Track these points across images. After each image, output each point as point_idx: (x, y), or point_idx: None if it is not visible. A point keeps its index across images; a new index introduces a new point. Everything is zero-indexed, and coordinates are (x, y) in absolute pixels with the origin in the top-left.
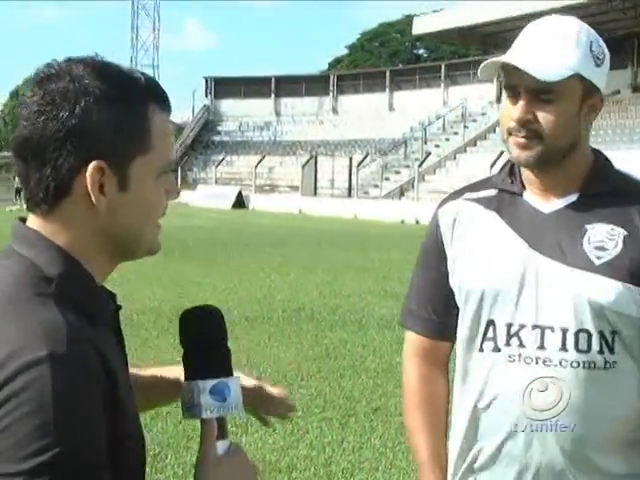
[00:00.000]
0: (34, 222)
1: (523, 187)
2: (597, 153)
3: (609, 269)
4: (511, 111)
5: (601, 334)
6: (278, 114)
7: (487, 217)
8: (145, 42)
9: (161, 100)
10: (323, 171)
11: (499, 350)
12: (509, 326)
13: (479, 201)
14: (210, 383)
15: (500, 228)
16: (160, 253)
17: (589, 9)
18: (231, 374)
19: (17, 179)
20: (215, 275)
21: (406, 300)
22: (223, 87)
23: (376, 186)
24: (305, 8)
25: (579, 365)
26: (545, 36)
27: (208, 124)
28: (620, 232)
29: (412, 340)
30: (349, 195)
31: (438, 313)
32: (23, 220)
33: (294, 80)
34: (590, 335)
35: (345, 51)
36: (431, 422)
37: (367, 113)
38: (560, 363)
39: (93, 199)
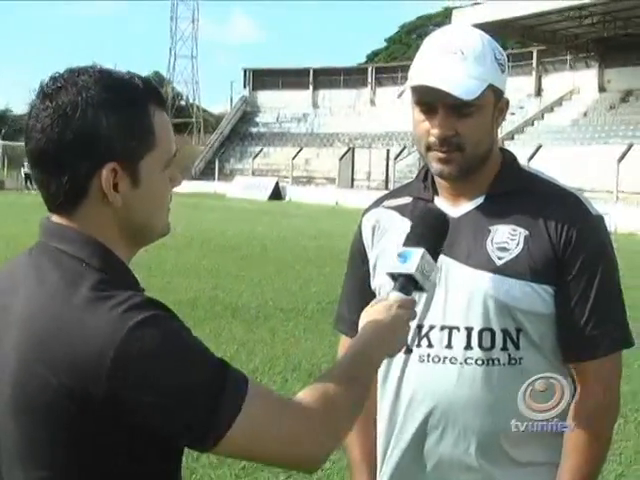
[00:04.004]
0: (62, 220)
1: (436, 192)
2: (505, 153)
3: (510, 269)
4: (427, 126)
5: (505, 332)
6: (316, 106)
7: (402, 224)
8: (184, 33)
9: (159, 99)
10: (360, 163)
11: (410, 351)
12: (420, 328)
13: (396, 209)
14: (403, 249)
15: None
16: (198, 245)
17: (629, 2)
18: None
19: (25, 164)
20: (251, 267)
21: (338, 304)
22: (261, 78)
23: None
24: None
25: (483, 362)
26: (453, 50)
27: (246, 115)
28: (521, 232)
29: (344, 344)
30: (386, 187)
31: None
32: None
33: (332, 72)
34: (494, 333)
35: (384, 44)
36: (361, 423)
37: (404, 105)
38: (465, 361)
39: (109, 198)
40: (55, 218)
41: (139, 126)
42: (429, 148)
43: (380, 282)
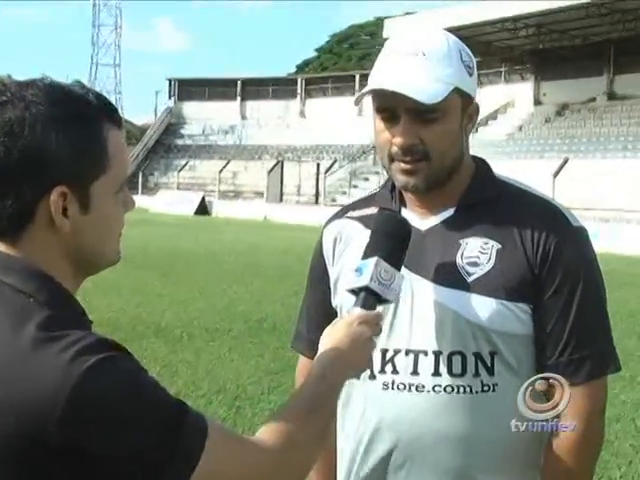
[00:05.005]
0: (3, 247)
1: (403, 204)
2: (479, 162)
3: (481, 286)
4: (389, 136)
5: (477, 355)
6: (243, 117)
7: (365, 236)
8: (106, 40)
9: (113, 116)
10: (289, 177)
11: (374, 377)
12: (384, 352)
13: (360, 219)
14: (360, 262)
15: None
16: (120, 261)
17: (565, 14)
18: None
19: None
20: (175, 285)
21: (297, 321)
22: (187, 89)
23: (344, 193)
24: (288, 8)
25: (453, 390)
26: (415, 52)
27: (171, 127)
28: (494, 245)
29: (303, 363)
30: (316, 202)
31: None
32: None
33: (260, 83)
34: (465, 357)
35: (314, 54)
36: (322, 455)
37: (335, 117)
38: (433, 389)
39: (57, 223)
40: None
41: (92, 146)
42: (392, 159)
43: (341, 300)
